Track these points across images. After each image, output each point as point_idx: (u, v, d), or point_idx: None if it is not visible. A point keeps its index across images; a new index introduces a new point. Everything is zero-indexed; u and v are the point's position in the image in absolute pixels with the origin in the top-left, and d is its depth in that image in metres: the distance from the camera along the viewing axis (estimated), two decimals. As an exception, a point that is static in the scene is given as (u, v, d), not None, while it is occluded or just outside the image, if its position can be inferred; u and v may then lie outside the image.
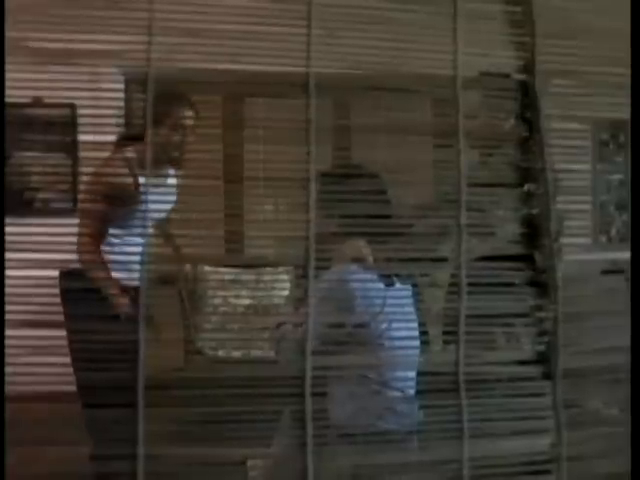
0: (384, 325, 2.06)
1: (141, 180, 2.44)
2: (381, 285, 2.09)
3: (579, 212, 1.70)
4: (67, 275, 2.34)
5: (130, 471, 1.30)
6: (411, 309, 2.21)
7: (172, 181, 2.77)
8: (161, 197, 2.41)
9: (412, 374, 2.11)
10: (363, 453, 1.55)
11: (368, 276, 2.11)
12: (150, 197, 2.13)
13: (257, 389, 1.36)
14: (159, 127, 2.45)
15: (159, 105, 2.50)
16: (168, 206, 2.68)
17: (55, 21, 1.43)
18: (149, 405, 1.33)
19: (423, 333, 2.22)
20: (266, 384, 1.36)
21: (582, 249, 1.76)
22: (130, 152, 2.57)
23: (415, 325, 2.20)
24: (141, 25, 1.39)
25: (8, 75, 1.51)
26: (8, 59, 1.48)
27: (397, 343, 2.06)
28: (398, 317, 2.14)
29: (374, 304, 2.07)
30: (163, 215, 2.67)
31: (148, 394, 1.33)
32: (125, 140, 2.61)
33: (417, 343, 2.14)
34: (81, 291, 2.02)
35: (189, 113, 2.56)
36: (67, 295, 2.17)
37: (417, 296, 2.20)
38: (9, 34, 1.47)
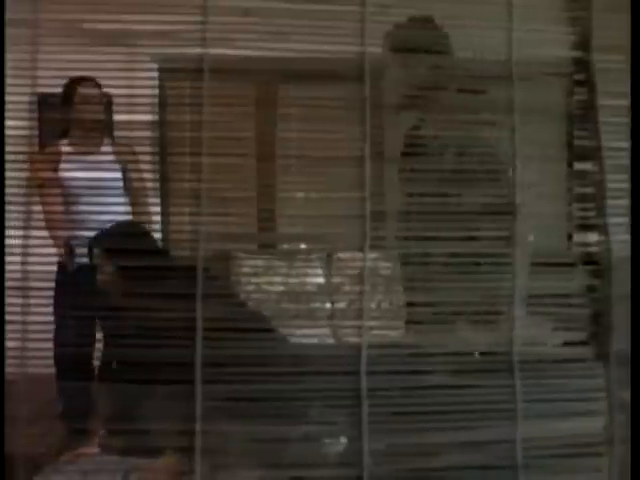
0: None
1: (64, 149, 2.65)
2: None
3: (623, 191, 1.67)
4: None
5: (188, 446, 1.31)
6: None
7: (101, 157, 2.83)
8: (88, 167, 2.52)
9: None
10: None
11: None
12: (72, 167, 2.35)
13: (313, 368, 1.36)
14: (67, 106, 2.61)
15: (66, 86, 2.63)
16: (104, 182, 2.73)
17: (108, 2, 1.43)
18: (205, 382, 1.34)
19: None
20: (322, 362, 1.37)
21: (624, 229, 1.73)
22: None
23: None
24: (196, 5, 1.38)
25: (57, 57, 1.51)
26: (59, 40, 1.48)
27: None
28: None
29: None
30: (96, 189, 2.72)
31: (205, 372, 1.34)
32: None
33: None
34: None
35: (93, 91, 2.66)
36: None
37: None
38: (61, 16, 1.47)
